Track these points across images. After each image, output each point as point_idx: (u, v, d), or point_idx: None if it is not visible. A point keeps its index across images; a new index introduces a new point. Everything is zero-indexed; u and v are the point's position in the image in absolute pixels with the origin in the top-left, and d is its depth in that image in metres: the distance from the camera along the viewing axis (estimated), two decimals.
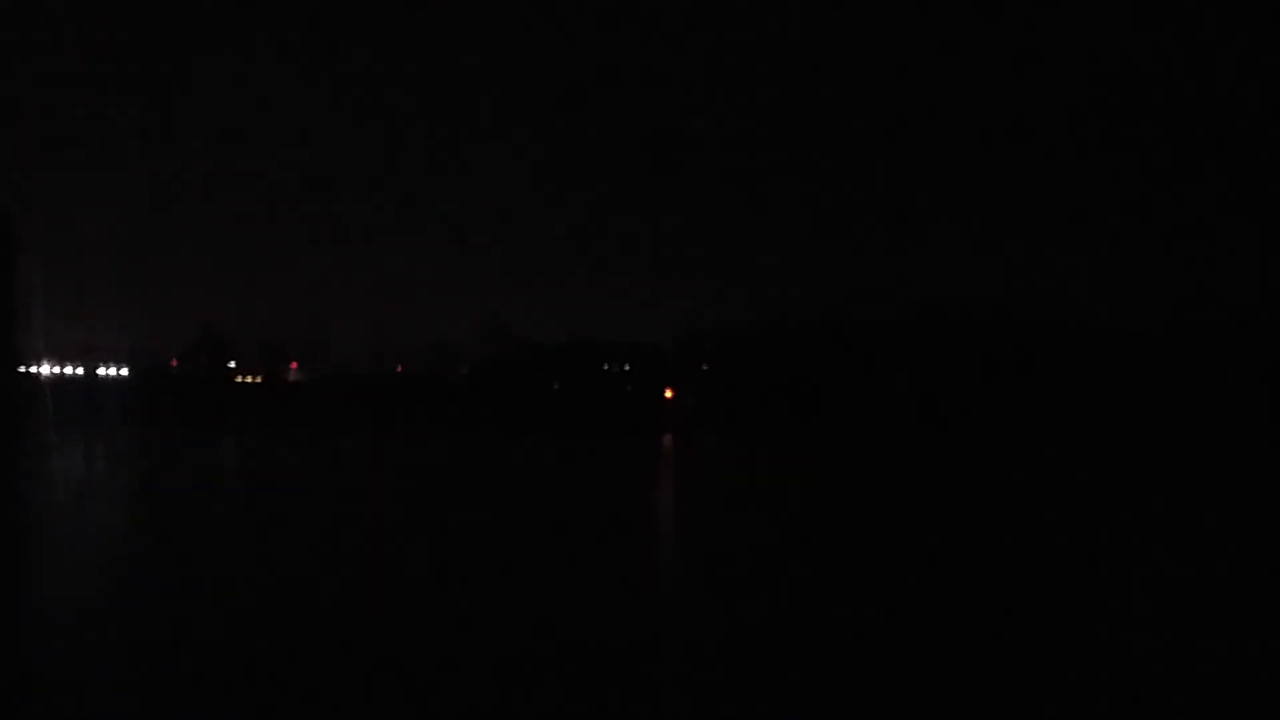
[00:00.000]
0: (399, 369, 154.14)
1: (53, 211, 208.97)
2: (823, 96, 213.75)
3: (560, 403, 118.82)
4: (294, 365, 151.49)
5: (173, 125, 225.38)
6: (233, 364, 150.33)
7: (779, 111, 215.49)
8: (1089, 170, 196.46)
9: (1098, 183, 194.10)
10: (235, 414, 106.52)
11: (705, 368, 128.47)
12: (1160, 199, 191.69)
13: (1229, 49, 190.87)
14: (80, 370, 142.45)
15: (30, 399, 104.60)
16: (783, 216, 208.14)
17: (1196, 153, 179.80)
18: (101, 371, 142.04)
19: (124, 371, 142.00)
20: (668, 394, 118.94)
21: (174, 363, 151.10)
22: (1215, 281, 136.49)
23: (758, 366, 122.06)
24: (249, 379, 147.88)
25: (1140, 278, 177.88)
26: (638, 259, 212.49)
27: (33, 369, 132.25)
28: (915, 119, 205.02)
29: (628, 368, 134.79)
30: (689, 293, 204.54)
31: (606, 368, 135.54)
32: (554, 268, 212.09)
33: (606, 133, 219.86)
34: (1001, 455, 68.22)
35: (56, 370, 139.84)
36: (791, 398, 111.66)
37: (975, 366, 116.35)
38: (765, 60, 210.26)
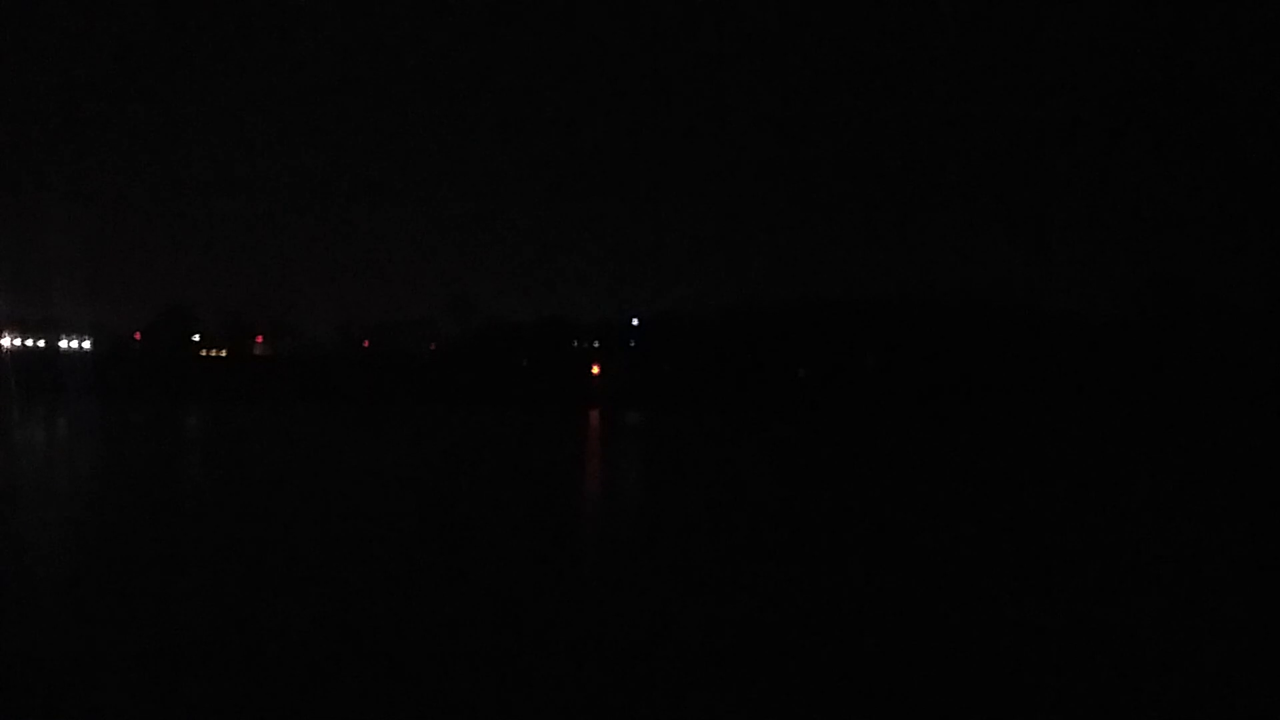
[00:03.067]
0: (365, 344, 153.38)
1: (13, 185, 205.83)
2: (802, 81, 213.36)
3: (522, 379, 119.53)
4: (259, 340, 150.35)
5: (139, 99, 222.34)
6: (197, 338, 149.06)
7: (759, 94, 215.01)
8: (1073, 157, 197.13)
9: (1082, 170, 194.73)
10: (200, 388, 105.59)
11: (632, 344, 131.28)
12: (1146, 185, 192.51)
13: (1212, 33, 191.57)
14: (42, 343, 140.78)
15: None
16: (761, 199, 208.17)
17: (1182, 141, 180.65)
18: (64, 345, 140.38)
19: (86, 345, 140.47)
20: (595, 370, 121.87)
21: (137, 336, 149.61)
22: (1199, 270, 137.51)
23: (688, 345, 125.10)
24: (214, 353, 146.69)
25: (1122, 266, 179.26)
26: (614, 239, 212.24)
27: None
28: (897, 103, 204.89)
29: (597, 344, 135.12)
30: (664, 273, 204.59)
31: (577, 344, 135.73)
32: (529, 246, 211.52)
33: (583, 112, 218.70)
34: (946, 440, 68.17)
35: (18, 343, 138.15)
36: (726, 376, 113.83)
37: (942, 350, 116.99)
38: (744, 44, 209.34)
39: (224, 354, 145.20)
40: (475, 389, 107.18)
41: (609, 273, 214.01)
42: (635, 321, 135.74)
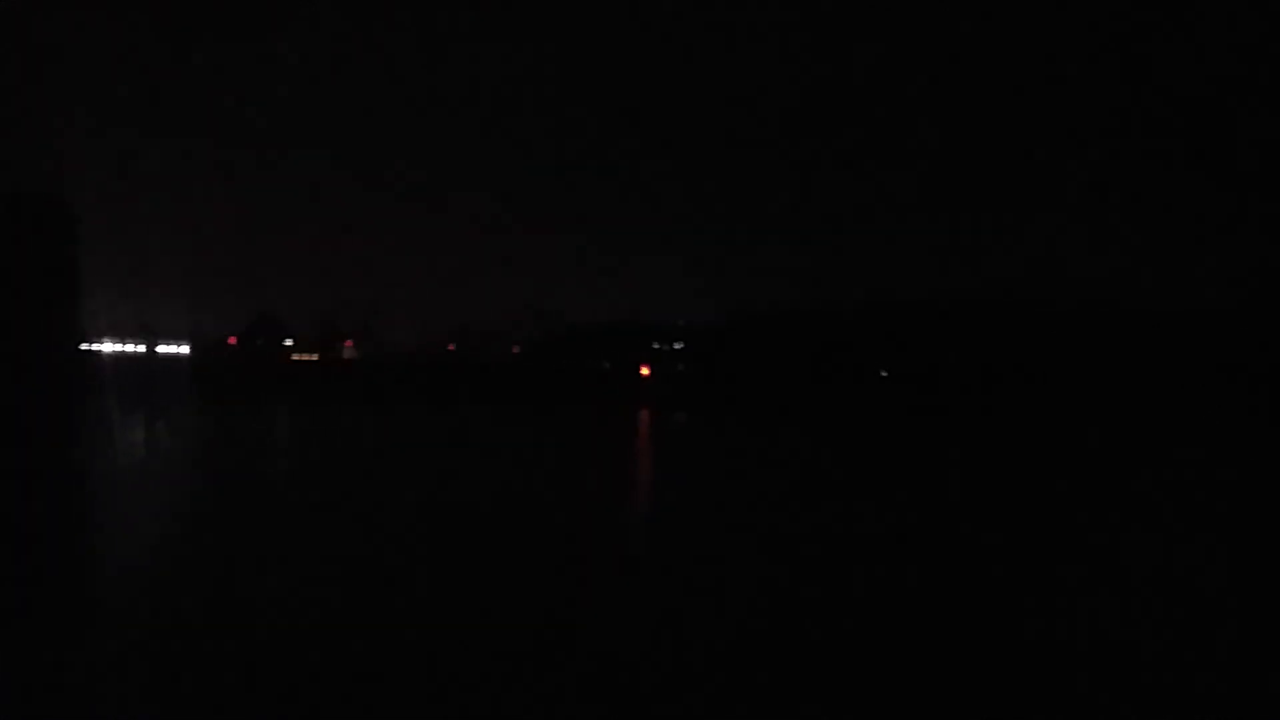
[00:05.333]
0: (450, 348, 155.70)
1: (113, 193, 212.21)
2: (847, 83, 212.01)
3: (600, 381, 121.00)
4: (349, 344, 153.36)
5: (232, 106, 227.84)
6: (289, 342, 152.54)
7: (809, 99, 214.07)
8: (1108, 150, 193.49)
9: (1119, 162, 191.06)
10: (293, 391, 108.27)
11: (680, 346, 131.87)
12: (1185, 178, 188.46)
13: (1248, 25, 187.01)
14: (141, 348, 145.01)
15: (93, 376, 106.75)
16: (818, 203, 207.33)
17: (1218, 134, 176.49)
18: (161, 349, 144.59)
19: (184, 350, 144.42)
20: (644, 371, 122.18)
21: (232, 341, 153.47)
22: (1243, 262, 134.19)
23: (735, 348, 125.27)
24: (305, 357, 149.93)
25: (1168, 257, 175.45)
26: (690, 242, 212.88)
27: (95, 347, 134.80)
28: (938, 101, 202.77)
29: (678, 346, 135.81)
30: (735, 276, 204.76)
31: (657, 347, 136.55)
32: (609, 249, 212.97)
33: (654, 118, 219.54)
34: (983, 440, 67.32)
35: (118, 348, 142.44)
36: (772, 378, 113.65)
37: (979, 350, 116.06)
38: (790, 48, 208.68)
39: (315, 358, 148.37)
40: (556, 391, 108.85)
41: (688, 275, 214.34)
42: (682, 323, 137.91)
